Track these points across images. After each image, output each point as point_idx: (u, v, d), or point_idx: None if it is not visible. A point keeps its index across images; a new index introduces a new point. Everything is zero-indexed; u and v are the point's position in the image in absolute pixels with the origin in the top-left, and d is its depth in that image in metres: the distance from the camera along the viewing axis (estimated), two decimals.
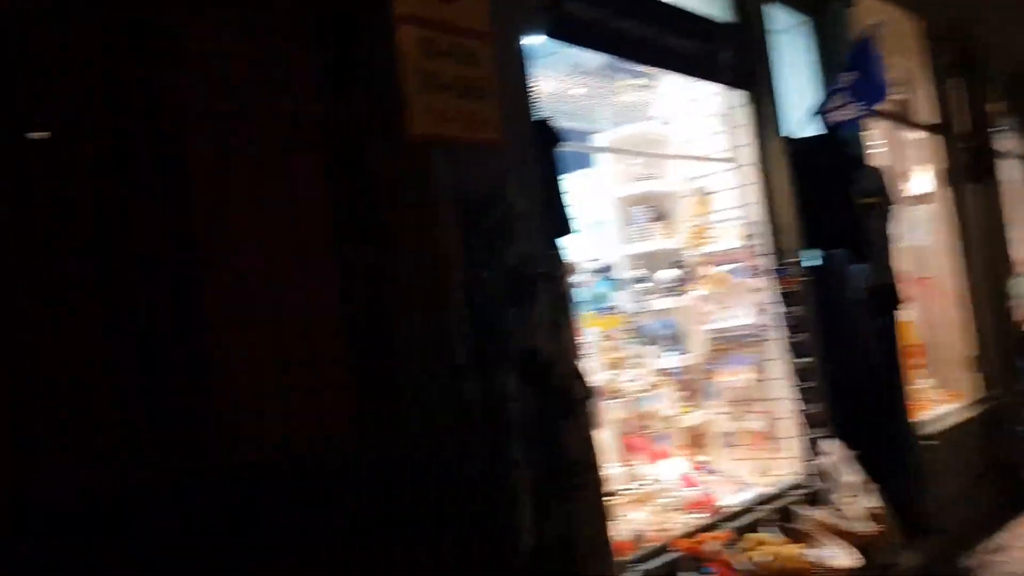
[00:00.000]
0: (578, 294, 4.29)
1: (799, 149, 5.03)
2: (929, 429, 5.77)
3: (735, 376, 5.08)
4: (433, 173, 3.02)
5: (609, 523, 3.35)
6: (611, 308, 5.06)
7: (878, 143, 6.19)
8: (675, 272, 5.26)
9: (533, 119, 3.57)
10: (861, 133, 5.51)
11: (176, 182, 3.02)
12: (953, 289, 6.85)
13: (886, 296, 5.25)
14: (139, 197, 3.05)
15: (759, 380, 5.00)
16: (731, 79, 4.84)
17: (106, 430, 2.64)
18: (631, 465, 4.61)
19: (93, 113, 2.81)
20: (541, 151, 3.58)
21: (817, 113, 5.20)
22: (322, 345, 3.01)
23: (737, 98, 4.95)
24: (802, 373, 4.83)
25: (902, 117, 6.95)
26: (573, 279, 3.75)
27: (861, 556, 4.26)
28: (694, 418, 5.11)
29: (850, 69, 5.16)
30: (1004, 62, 7.94)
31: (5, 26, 2.51)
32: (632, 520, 4.02)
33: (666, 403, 5.02)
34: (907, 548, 4.77)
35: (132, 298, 2.97)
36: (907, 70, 6.93)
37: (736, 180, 5.03)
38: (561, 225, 3.51)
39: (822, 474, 4.74)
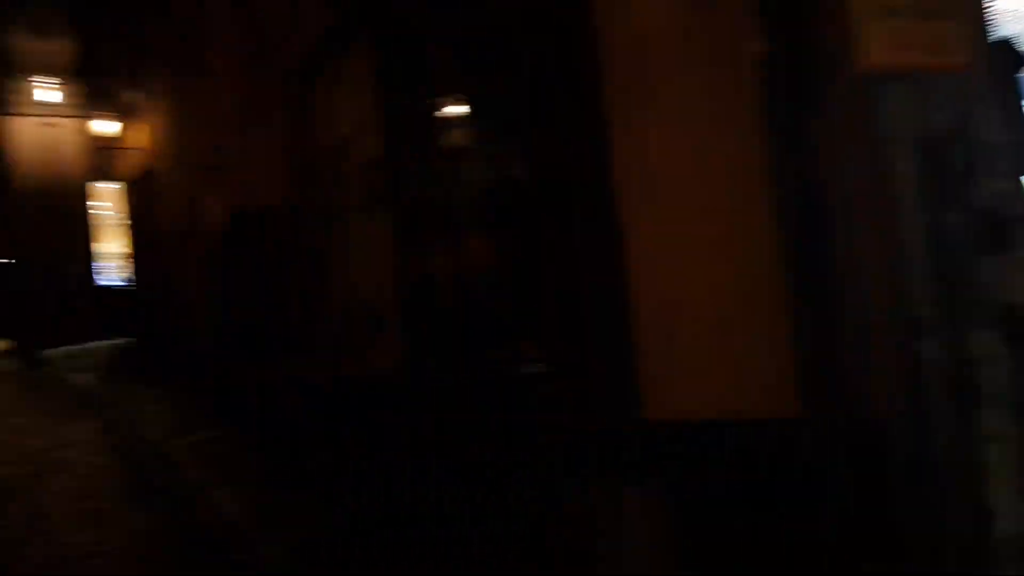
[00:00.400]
0: None
1: None
2: None
3: None
4: (887, 105, 2.70)
5: None
6: None
7: None
8: None
9: (994, 40, 3.07)
10: None
11: (594, 125, 3.01)
12: None
13: None
14: (559, 146, 3.07)
15: None
16: None
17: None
18: None
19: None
20: (1004, 76, 3.08)
21: None
22: (759, 297, 2.84)
23: None
24: None
25: None
26: None
27: None
28: None
29: None
30: None
31: None
32: None
33: None
34: None
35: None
36: None
37: None
38: None
39: None
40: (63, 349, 12.93)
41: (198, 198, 8.22)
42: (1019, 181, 2.90)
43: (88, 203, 15.47)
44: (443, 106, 3.88)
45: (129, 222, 12.83)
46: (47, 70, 15.06)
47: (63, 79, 15.59)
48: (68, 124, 15.50)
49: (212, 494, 5.97)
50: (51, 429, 8.12)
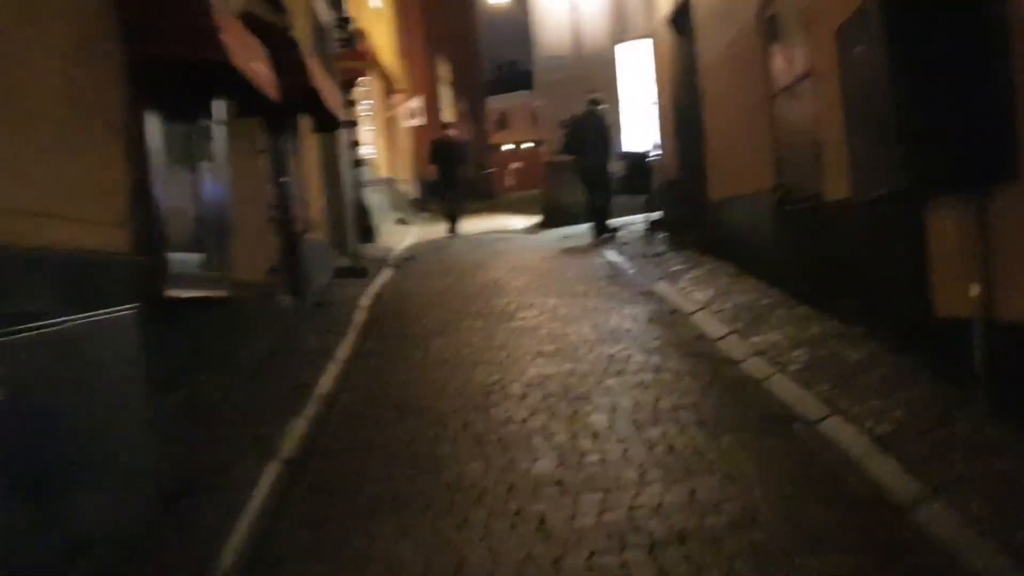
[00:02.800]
0: None
1: None
2: None
3: None
4: None
5: None
6: None
7: None
8: None
9: None
10: None
11: None
12: None
13: None
14: None
15: None
16: None
17: None
18: None
19: None
20: None
21: None
22: None
23: None
24: None
25: None
26: None
27: None
28: None
29: None
30: None
31: None
32: None
33: None
34: None
35: None
36: None
37: None
38: None
39: None
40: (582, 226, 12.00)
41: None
42: None
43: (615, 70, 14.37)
44: None
45: (658, 82, 11.15)
46: None
47: None
48: None
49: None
50: (589, 315, 6.74)
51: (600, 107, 11.52)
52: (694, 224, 9.42)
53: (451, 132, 15.72)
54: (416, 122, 18.40)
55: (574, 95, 14.56)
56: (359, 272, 9.59)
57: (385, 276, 9.90)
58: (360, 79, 12.00)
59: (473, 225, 17.10)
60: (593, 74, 14.07)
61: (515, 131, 53.76)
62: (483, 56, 38.60)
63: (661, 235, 10.63)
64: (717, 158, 8.34)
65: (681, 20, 9.47)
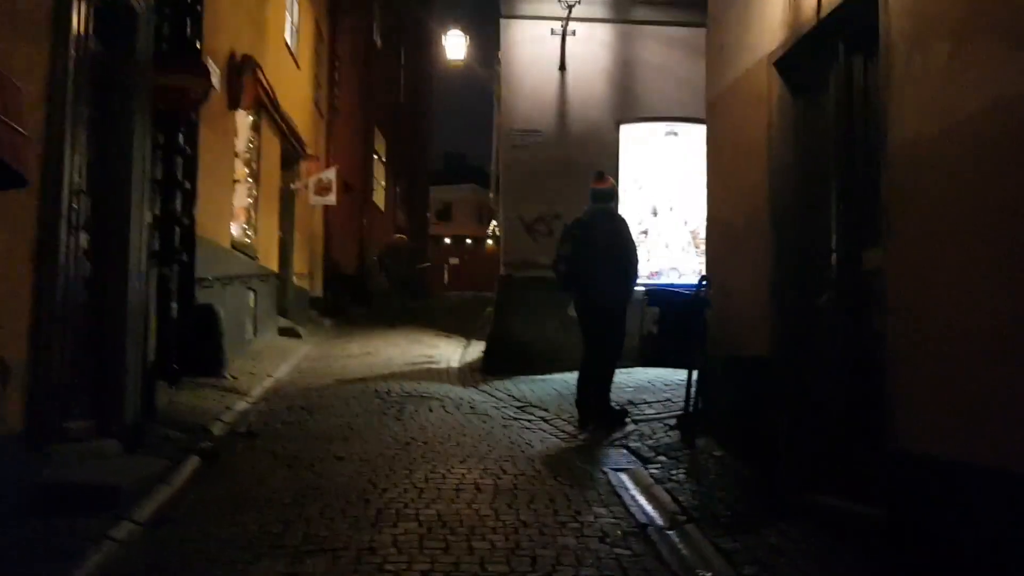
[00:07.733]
0: None
1: None
2: None
3: None
4: None
5: None
6: None
7: None
8: None
9: None
10: None
11: None
12: None
13: None
14: None
15: None
16: None
17: None
18: None
19: None
20: None
21: None
22: None
23: None
24: None
25: None
26: None
27: None
28: None
29: None
30: None
31: None
32: None
33: None
34: None
35: None
36: None
37: None
38: None
39: None
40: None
41: None
42: None
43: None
44: None
45: (715, 180, 6.43)
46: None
47: None
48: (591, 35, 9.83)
49: None
50: None
51: (613, 203, 6.70)
52: (829, 469, 4.51)
53: (401, 236, 17.08)
54: (327, 200, 13.43)
55: (549, 186, 9.96)
56: (91, 496, 4.31)
57: (151, 506, 4.60)
58: (193, 111, 6.82)
59: (386, 348, 12.09)
60: (581, 160, 9.41)
61: (457, 224, 49.20)
62: (432, 140, 34.14)
63: (714, 452, 5.74)
64: (959, 358, 3.46)
65: (815, 58, 4.78)
